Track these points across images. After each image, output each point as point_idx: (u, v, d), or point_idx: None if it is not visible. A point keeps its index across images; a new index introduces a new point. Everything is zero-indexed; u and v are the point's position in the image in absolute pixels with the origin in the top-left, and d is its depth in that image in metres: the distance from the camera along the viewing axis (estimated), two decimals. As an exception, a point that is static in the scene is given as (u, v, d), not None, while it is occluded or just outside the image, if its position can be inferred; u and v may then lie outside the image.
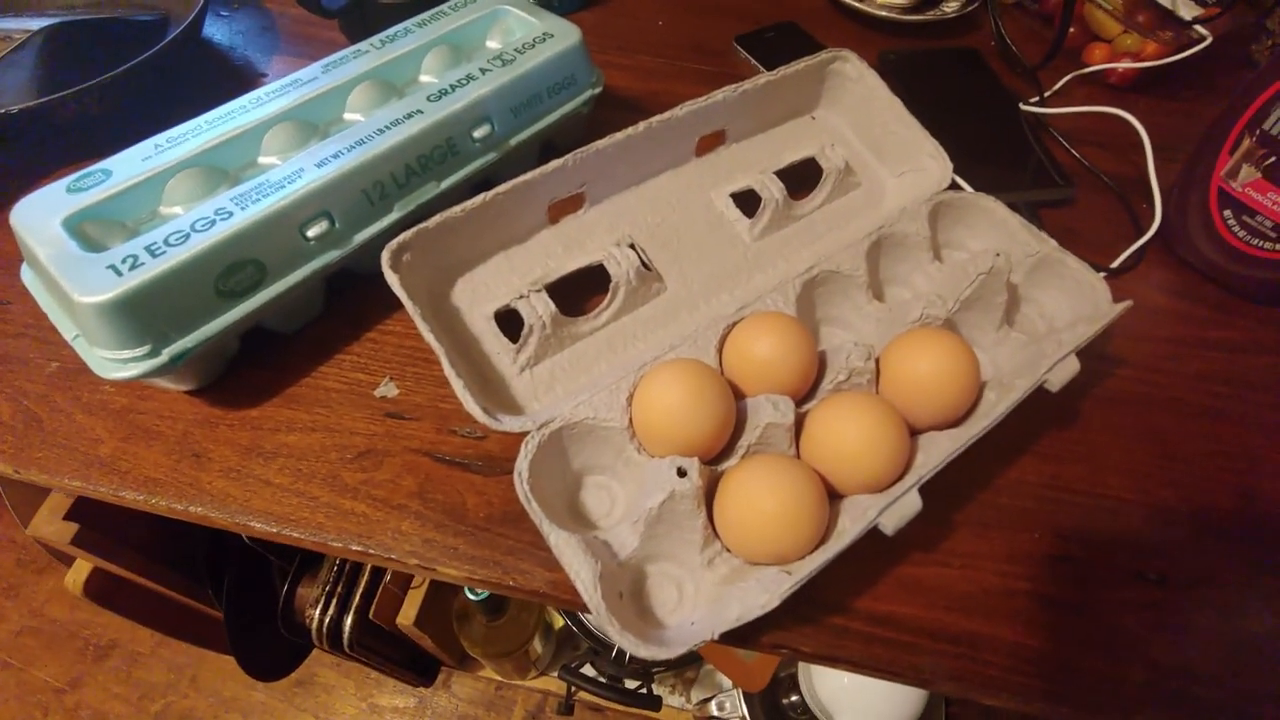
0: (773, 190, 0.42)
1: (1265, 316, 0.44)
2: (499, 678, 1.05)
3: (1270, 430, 0.39)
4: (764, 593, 0.27)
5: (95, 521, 0.61)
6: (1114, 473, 0.37)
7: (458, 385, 0.32)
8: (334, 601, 0.71)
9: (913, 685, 0.31)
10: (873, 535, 0.29)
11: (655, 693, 0.88)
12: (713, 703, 0.85)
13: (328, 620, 0.71)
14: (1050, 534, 0.35)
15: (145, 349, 0.32)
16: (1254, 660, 0.32)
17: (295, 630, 0.76)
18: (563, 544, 0.29)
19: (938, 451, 0.31)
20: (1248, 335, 0.43)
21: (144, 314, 0.31)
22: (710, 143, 0.44)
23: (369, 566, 0.75)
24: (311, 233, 0.35)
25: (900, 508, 0.28)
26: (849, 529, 0.28)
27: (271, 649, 0.82)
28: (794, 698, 0.81)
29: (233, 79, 0.55)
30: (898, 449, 0.30)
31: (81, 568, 0.67)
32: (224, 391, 0.37)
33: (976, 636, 0.32)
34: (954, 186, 0.45)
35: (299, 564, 0.76)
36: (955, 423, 0.34)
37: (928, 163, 0.44)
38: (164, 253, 0.31)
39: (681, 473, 0.29)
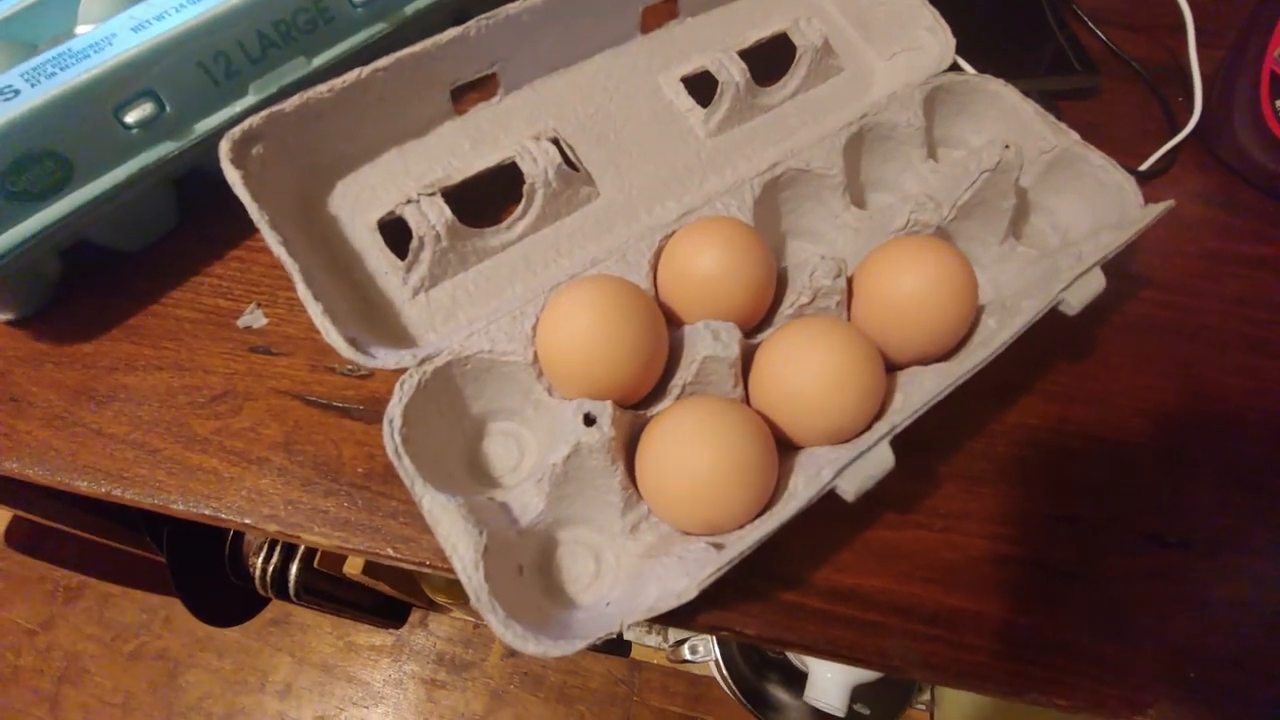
0: (732, 72, 0.34)
1: (1320, 229, 0.37)
2: (473, 618, 1.03)
3: (1320, 363, 0.33)
4: (683, 576, 0.21)
5: (-1, 468, 0.55)
6: (1133, 415, 0.31)
7: (315, 310, 0.25)
8: (278, 548, 0.67)
9: (880, 672, 0.26)
10: (835, 494, 0.23)
11: (625, 637, 0.86)
12: (685, 646, 0.82)
13: (271, 569, 0.67)
14: (1053, 489, 0.29)
15: (-88, 268, 0.25)
16: (1289, 639, 0.26)
17: (244, 578, 0.72)
18: (439, 510, 0.23)
19: (919, 393, 0.24)
20: (1297, 251, 0.36)
21: (-97, 222, 0.24)
22: (659, 16, 0.36)
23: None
24: (131, 118, 0.27)
25: (864, 466, 0.22)
26: (800, 492, 0.22)
27: (224, 595, 0.78)
28: (771, 640, 0.78)
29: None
30: (868, 388, 0.23)
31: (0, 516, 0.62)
32: (50, 322, 0.30)
33: (957, 614, 0.26)
34: (955, 70, 0.37)
35: (244, 509, 0.72)
36: (945, 356, 0.28)
37: (925, 38, 0.36)
38: (-76, 142, 0.24)
39: (589, 420, 0.23)
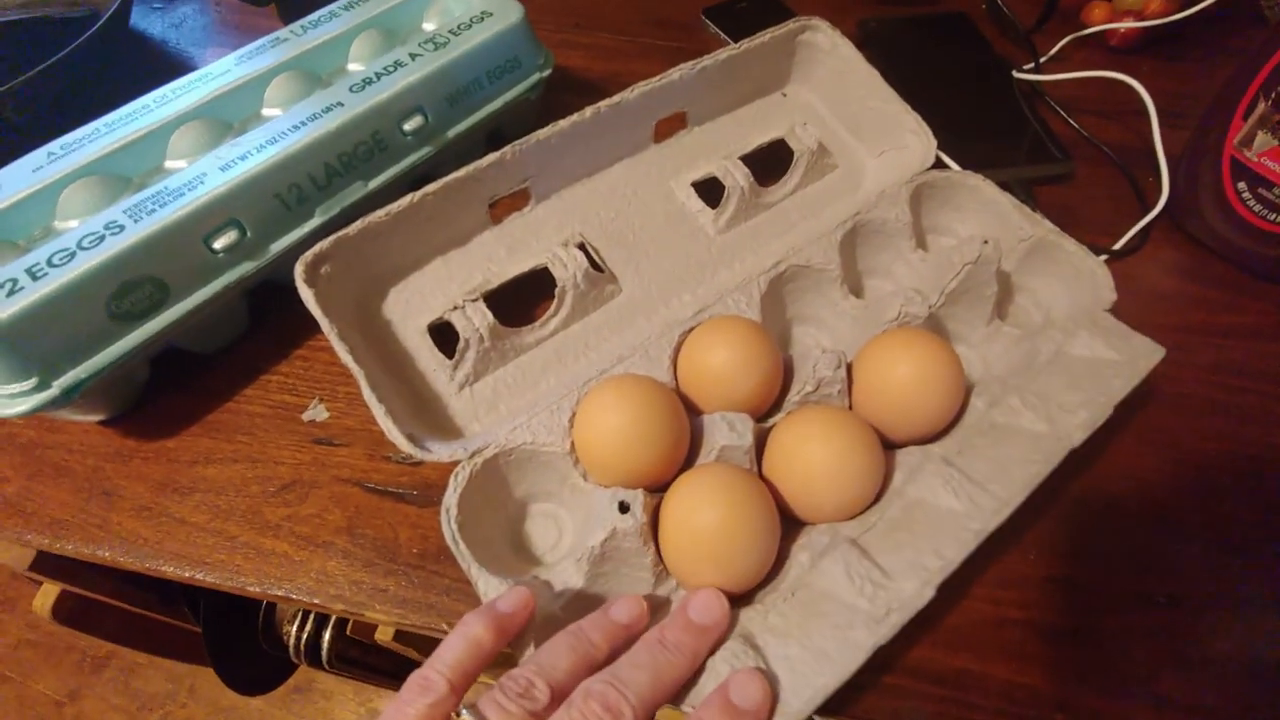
0: (737, 177, 0.38)
1: (1284, 298, 0.40)
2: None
3: (1291, 426, 0.36)
4: (723, 664, 0.24)
5: (55, 545, 0.58)
6: (1119, 480, 0.34)
7: (379, 411, 0.28)
8: (311, 616, 0.69)
9: (893, 731, 0.28)
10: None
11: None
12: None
13: (305, 636, 0.68)
14: (1047, 553, 0.31)
15: (32, 382, 0.28)
16: (1276, 695, 0.28)
17: (276, 645, 0.74)
18: (492, 592, 0.26)
19: (918, 489, 0.27)
20: (1265, 320, 0.39)
21: (26, 344, 0.28)
22: (670, 127, 0.40)
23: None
24: (219, 244, 0.31)
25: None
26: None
27: (255, 663, 0.80)
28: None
29: (170, 75, 0.51)
30: (868, 473, 0.26)
31: (49, 591, 0.65)
32: (138, 421, 0.34)
33: (964, 674, 0.28)
34: (940, 165, 0.41)
35: (278, 577, 0.74)
36: (938, 434, 0.31)
37: (909, 140, 0.40)
38: (46, 274, 0.28)
39: (624, 508, 0.26)
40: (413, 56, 0.37)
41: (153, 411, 0.34)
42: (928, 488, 0.28)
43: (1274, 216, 0.39)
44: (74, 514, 0.31)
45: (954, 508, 0.27)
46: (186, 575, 0.30)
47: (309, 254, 0.30)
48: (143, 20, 0.55)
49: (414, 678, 0.21)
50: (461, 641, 0.22)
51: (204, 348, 0.35)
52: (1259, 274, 0.41)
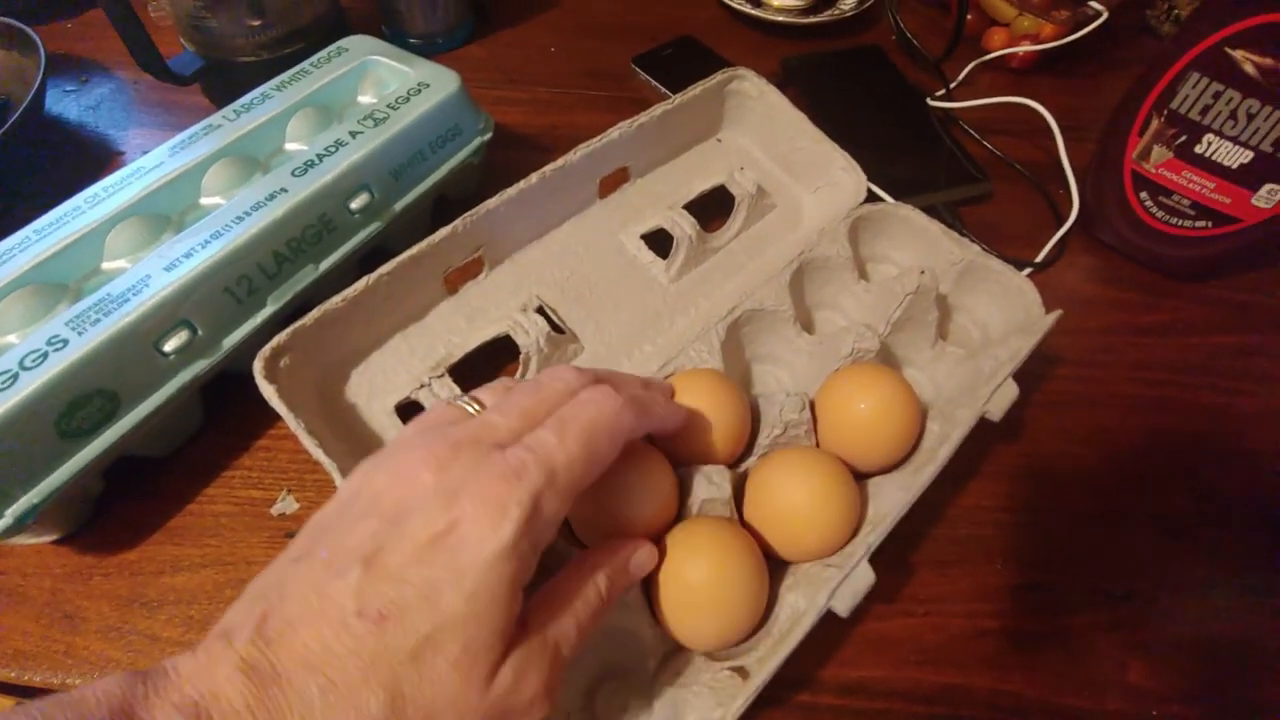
0: (684, 227, 0.39)
1: (1191, 294, 0.44)
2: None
3: (1211, 413, 0.39)
4: (717, 706, 0.24)
5: None
6: (1067, 483, 0.36)
7: (355, 503, 0.28)
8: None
9: (892, 755, 0.29)
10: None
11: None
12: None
13: None
14: (1013, 561, 0.33)
15: (-18, 514, 0.27)
16: (1230, 668, 0.31)
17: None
18: (491, 674, 0.26)
19: (885, 503, 0.29)
20: (1176, 316, 0.43)
21: (-28, 476, 0.27)
22: (614, 181, 0.41)
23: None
24: (169, 347, 0.31)
25: (851, 585, 0.26)
26: (804, 615, 0.25)
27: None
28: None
29: (90, 160, 0.50)
30: (846, 511, 0.28)
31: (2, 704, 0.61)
32: (95, 535, 0.32)
33: (951, 690, 0.30)
34: (872, 195, 0.43)
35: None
36: (902, 459, 0.32)
37: (840, 176, 0.42)
38: (-12, 400, 0.27)
39: (614, 573, 0.26)
40: (353, 134, 0.37)
41: (109, 524, 0.33)
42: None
43: (1177, 221, 0.42)
44: (36, 643, 0.30)
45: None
46: (165, 693, 0.29)
47: (267, 349, 0.30)
48: (57, 105, 0.53)
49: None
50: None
51: (159, 451, 0.34)
52: (1169, 273, 0.44)
